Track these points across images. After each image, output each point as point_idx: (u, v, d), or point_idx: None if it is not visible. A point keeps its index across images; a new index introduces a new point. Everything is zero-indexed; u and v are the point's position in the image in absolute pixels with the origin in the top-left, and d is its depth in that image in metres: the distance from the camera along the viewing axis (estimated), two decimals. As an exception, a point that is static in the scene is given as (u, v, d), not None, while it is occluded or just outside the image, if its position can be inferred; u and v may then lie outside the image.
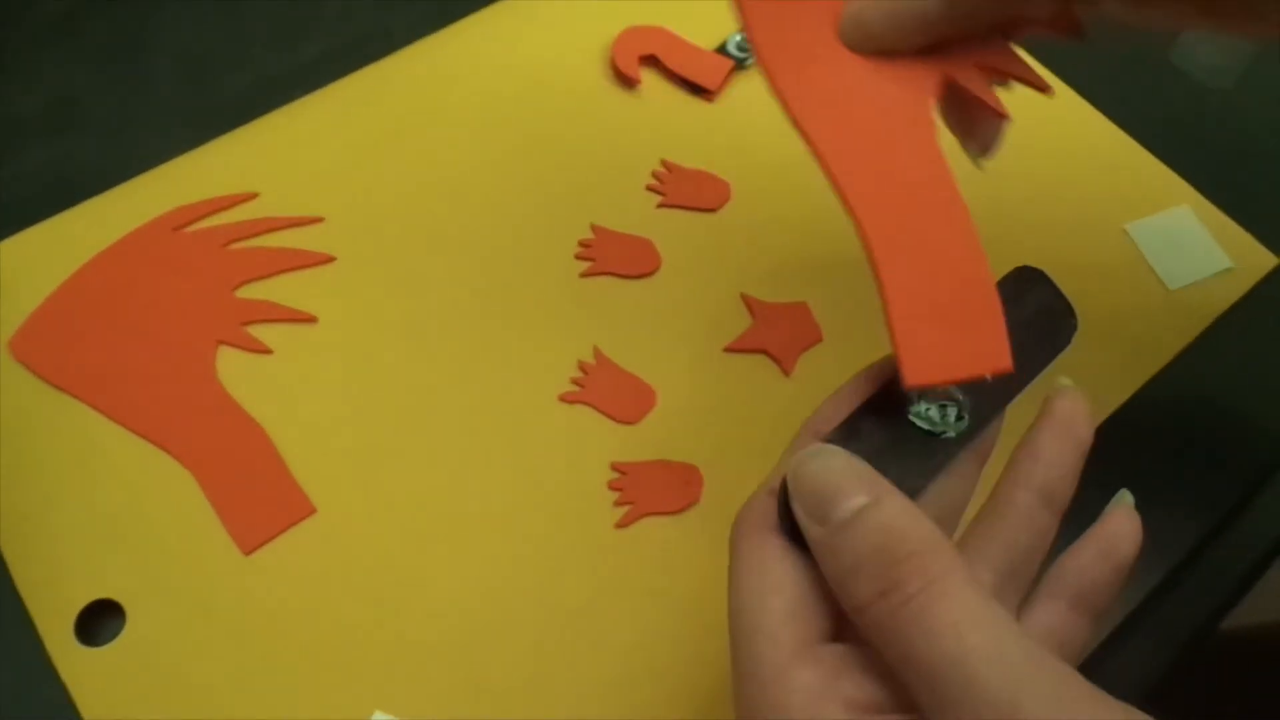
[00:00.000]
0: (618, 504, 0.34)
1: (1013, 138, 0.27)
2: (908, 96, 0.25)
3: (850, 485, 0.21)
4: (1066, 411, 0.24)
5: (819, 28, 0.25)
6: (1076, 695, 0.18)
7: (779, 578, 0.22)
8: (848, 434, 0.23)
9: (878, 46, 0.25)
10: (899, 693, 0.20)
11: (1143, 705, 0.19)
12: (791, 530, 0.22)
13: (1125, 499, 0.25)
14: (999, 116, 0.26)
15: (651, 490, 0.34)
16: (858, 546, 0.21)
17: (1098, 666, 0.21)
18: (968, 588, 0.19)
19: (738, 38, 0.44)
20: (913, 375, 0.22)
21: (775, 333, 0.38)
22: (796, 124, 0.24)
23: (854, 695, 0.21)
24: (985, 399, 0.23)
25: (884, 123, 0.24)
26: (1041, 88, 0.26)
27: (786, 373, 0.37)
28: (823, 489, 0.21)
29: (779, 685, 0.21)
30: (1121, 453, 0.30)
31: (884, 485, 0.21)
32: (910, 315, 0.23)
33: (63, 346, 0.36)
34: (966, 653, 0.19)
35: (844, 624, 0.22)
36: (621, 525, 0.34)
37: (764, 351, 0.37)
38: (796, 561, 0.22)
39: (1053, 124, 0.42)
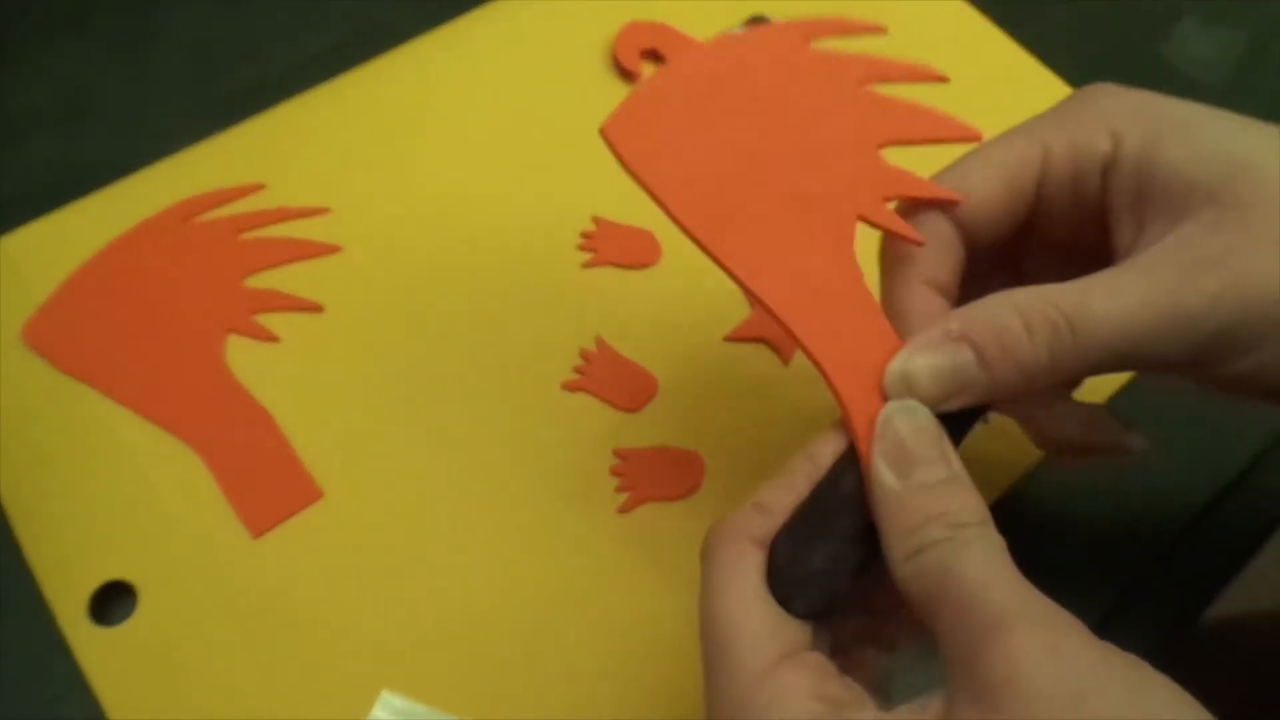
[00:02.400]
0: (619, 489, 0.35)
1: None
2: (831, 247, 0.26)
3: (936, 453, 0.23)
4: None
5: (734, 196, 0.26)
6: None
7: (758, 588, 0.24)
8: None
9: (924, 401, 0.24)
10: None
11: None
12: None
13: None
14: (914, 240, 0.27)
15: (652, 476, 0.35)
16: (928, 507, 0.22)
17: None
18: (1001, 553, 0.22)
19: (738, 32, 0.44)
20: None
21: (774, 322, 0.38)
22: (744, 285, 0.26)
23: (839, 695, 0.22)
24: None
25: (816, 270, 0.26)
26: (951, 200, 0.27)
27: (785, 361, 0.38)
28: (912, 448, 0.23)
29: (762, 687, 0.22)
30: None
31: (954, 456, 0.23)
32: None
33: (75, 335, 0.37)
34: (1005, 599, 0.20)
35: (817, 641, 0.24)
36: (623, 510, 0.35)
37: (763, 340, 0.38)
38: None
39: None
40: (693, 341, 0.38)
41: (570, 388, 0.37)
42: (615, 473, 0.35)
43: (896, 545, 0.22)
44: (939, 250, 0.26)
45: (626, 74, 0.44)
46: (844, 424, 0.25)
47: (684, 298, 0.39)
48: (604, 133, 0.26)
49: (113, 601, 0.33)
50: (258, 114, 0.42)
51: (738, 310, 0.39)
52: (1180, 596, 0.35)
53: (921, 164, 0.27)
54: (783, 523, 0.24)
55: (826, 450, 0.25)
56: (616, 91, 0.44)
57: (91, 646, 0.32)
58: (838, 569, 0.24)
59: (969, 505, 0.22)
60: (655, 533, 0.34)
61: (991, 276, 0.28)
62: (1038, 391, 0.24)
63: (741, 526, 0.24)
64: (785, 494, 0.25)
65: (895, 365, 0.24)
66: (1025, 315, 0.23)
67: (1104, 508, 0.36)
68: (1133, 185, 0.25)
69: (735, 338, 0.38)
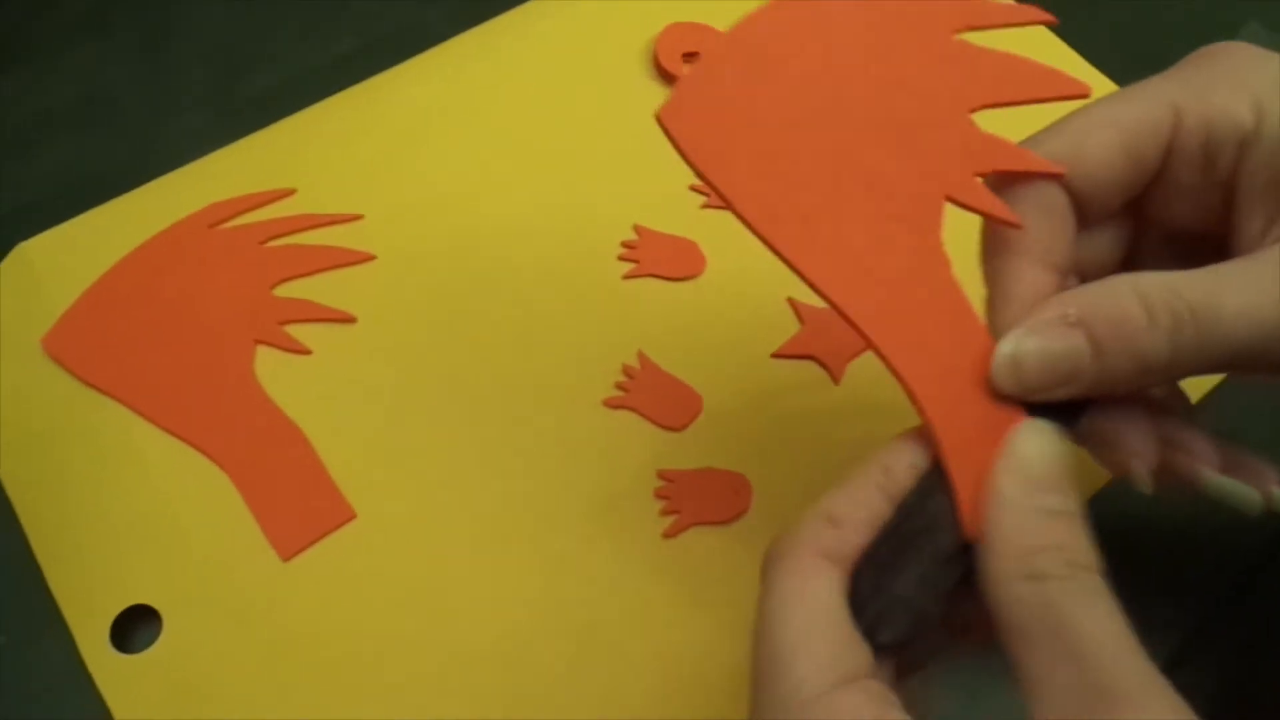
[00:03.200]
0: (664, 513, 0.33)
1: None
2: (916, 238, 0.23)
3: (1065, 483, 0.21)
4: None
5: (806, 185, 0.23)
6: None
7: (830, 607, 0.22)
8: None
9: (1028, 395, 0.22)
10: None
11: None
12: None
13: None
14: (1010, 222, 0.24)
15: (699, 499, 0.34)
16: (1048, 534, 0.21)
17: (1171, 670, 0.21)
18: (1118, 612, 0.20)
19: None
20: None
21: (824, 339, 0.37)
22: (819, 290, 0.23)
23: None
24: None
25: (900, 268, 0.23)
26: (1056, 173, 0.24)
27: (836, 380, 0.36)
28: (1042, 470, 0.21)
29: (822, 706, 0.21)
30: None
31: (1077, 503, 0.22)
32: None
33: (97, 345, 0.35)
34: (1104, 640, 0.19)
35: (878, 671, 0.22)
36: (669, 535, 0.33)
37: (812, 358, 0.36)
38: (845, 594, 0.22)
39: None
40: (739, 357, 0.37)
41: (612, 405, 0.35)
42: (660, 495, 0.34)
43: (1007, 563, 0.21)
44: (1051, 223, 0.24)
45: (668, 77, 0.42)
46: (927, 438, 0.23)
47: (729, 311, 0.37)
48: (660, 119, 0.23)
49: (136, 627, 0.31)
50: (286, 117, 0.41)
51: (786, 325, 0.37)
52: (1261, 626, 0.33)
53: (1018, 119, 0.24)
54: (854, 538, 0.23)
55: (902, 462, 0.23)
56: (658, 95, 0.42)
57: (114, 674, 0.30)
58: (926, 593, 0.22)
59: (1087, 548, 0.21)
60: (701, 558, 0.33)
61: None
62: (1144, 386, 0.23)
63: (811, 540, 0.23)
64: (857, 508, 0.23)
65: (1005, 347, 0.22)
66: (1148, 304, 0.21)
67: (1177, 530, 0.34)
68: (1271, 167, 0.23)
69: (783, 354, 0.37)
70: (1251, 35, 0.45)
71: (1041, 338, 0.22)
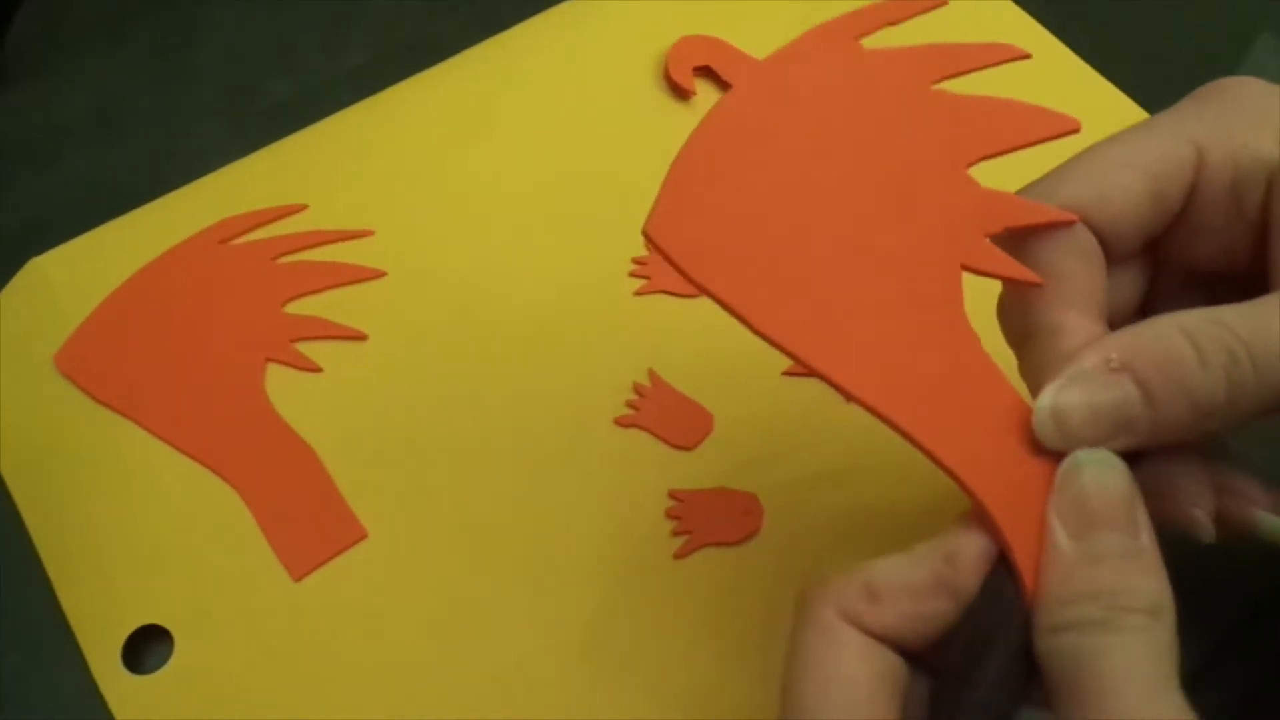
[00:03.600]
0: (675, 533, 0.33)
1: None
2: (938, 314, 0.22)
3: (1123, 519, 0.20)
4: None
5: (813, 279, 0.22)
6: None
7: (847, 676, 0.21)
8: None
9: (1074, 446, 0.21)
10: None
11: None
12: None
13: None
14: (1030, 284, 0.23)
15: (710, 520, 0.34)
16: (1094, 580, 0.20)
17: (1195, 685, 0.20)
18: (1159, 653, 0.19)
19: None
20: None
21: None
22: (844, 391, 0.22)
23: None
24: None
25: (927, 350, 0.22)
26: (1068, 221, 0.23)
27: (848, 398, 0.36)
28: (1096, 507, 0.20)
29: None
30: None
31: (1145, 526, 0.20)
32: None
33: (109, 362, 0.35)
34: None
35: None
36: (680, 555, 0.33)
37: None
38: (868, 665, 0.21)
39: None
40: (750, 376, 0.36)
41: (623, 423, 0.35)
42: (672, 515, 0.34)
43: (1043, 614, 0.20)
44: (1089, 268, 0.23)
45: (679, 90, 0.42)
46: (983, 522, 0.21)
47: (741, 329, 0.37)
48: (648, 233, 0.22)
49: (147, 647, 0.31)
50: (298, 130, 0.41)
51: (797, 343, 0.37)
52: (1268, 661, 0.33)
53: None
54: (888, 618, 0.21)
55: (970, 553, 0.21)
56: (669, 109, 0.42)
57: (125, 695, 0.30)
58: (1003, 698, 0.21)
59: (1144, 588, 0.19)
60: (713, 579, 0.33)
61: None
62: (1206, 432, 0.21)
63: (843, 603, 0.21)
64: (904, 590, 0.21)
65: (1045, 400, 0.21)
66: (1196, 342, 0.20)
67: (1186, 564, 0.34)
68: None
69: (795, 372, 0.36)
70: (1264, 46, 0.44)
71: (1085, 388, 0.21)
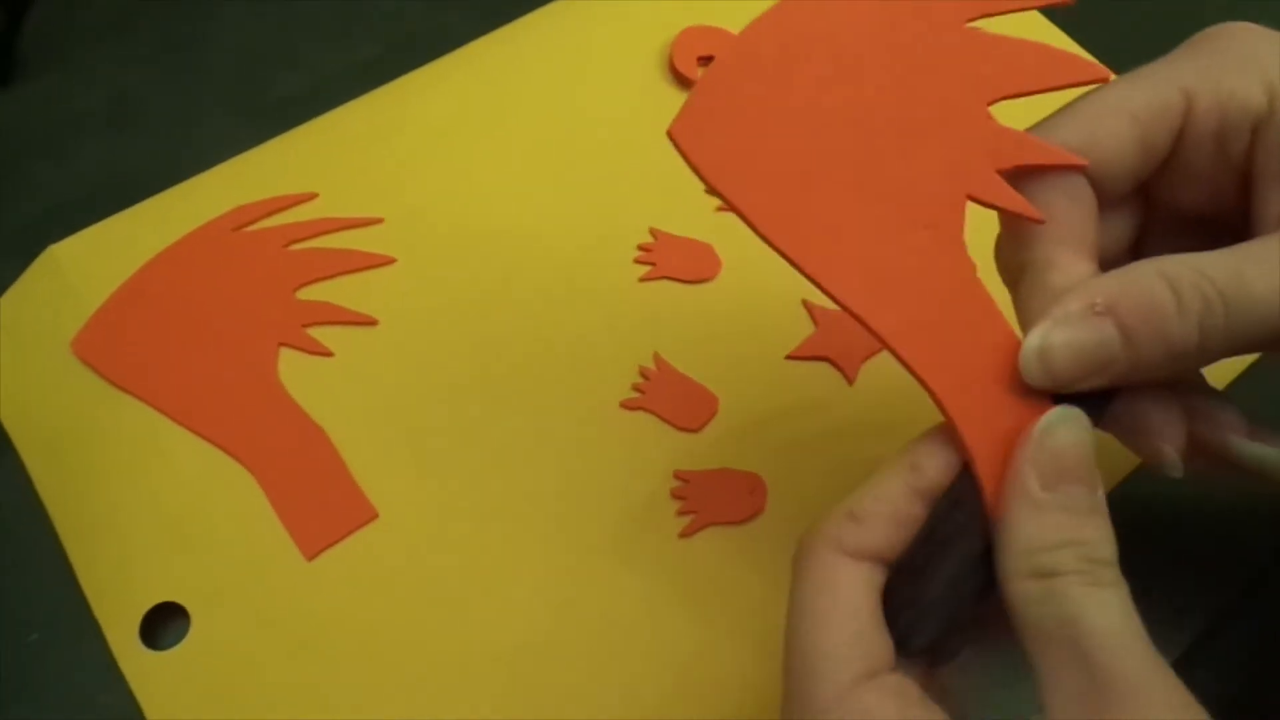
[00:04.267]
0: (680, 513, 0.34)
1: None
2: (939, 240, 0.23)
3: (1089, 475, 0.21)
4: None
5: (823, 195, 0.23)
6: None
7: (849, 601, 0.22)
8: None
9: (1059, 388, 0.22)
10: None
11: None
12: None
13: None
14: (1034, 218, 0.24)
15: (715, 499, 0.34)
16: (1067, 530, 0.21)
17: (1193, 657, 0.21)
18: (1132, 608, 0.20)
19: None
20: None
21: (838, 340, 0.37)
22: (838, 300, 0.23)
23: (922, 718, 0.21)
24: None
25: (923, 272, 0.23)
26: (1078, 165, 0.24)
27: (850, 381, 0.37)
28: (1069, 462, 0.21)
29: (842, 707, 0.21)
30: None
31: (1103, 495, 0.22)
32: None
33: (125, 346, 0.36)
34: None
35: (904, 663, 0.22)
36: (685, 535, 0.34)
37: (826, 359, 0.37)
38: (867, 588, 0.22)
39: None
40: (754, 359, 0.37)
41: (629, 406, 0.36)
42: (676, 495, 0.34)
43: (1020, 559, 0.21)
44: (1080, 209, 0.23)
45: (684, 81, 0.43)
46: (954, 440, 0.23)
47: (744, 313, 0.38)
48: (672, 135, 0.23)
49: (165, 624, 0.32)
50: (309, 120, 0.42)
51: (800, 326, 0.38)
52: (1269, 626, 0.33)
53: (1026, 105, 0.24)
54: (876, 534, 0.23)
55: (932, 462, 0.23)
56: (674, 99, 0.42)
57: (143, 670, 0.31)
58: (956, 596, 0.22)
59: (1107, 542, 0.21)
60: (718, 558, 0.33)
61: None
62: (1173, 372, 0.22)
63: (832, 537, 0.23)
64: (879, 503, 0.23)
65: (1033, 340, 0.22)
66: (1176, 288, 0.21)
67: (1196, 522, 0.34)
68: None
69: (798, 355, 0.37)
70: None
71: (1070, 329, 0.22)
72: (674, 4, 0.44)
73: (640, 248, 0.39)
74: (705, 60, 0.43)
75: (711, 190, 0.23)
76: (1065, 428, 0.22)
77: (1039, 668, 0.20)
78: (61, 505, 0.34)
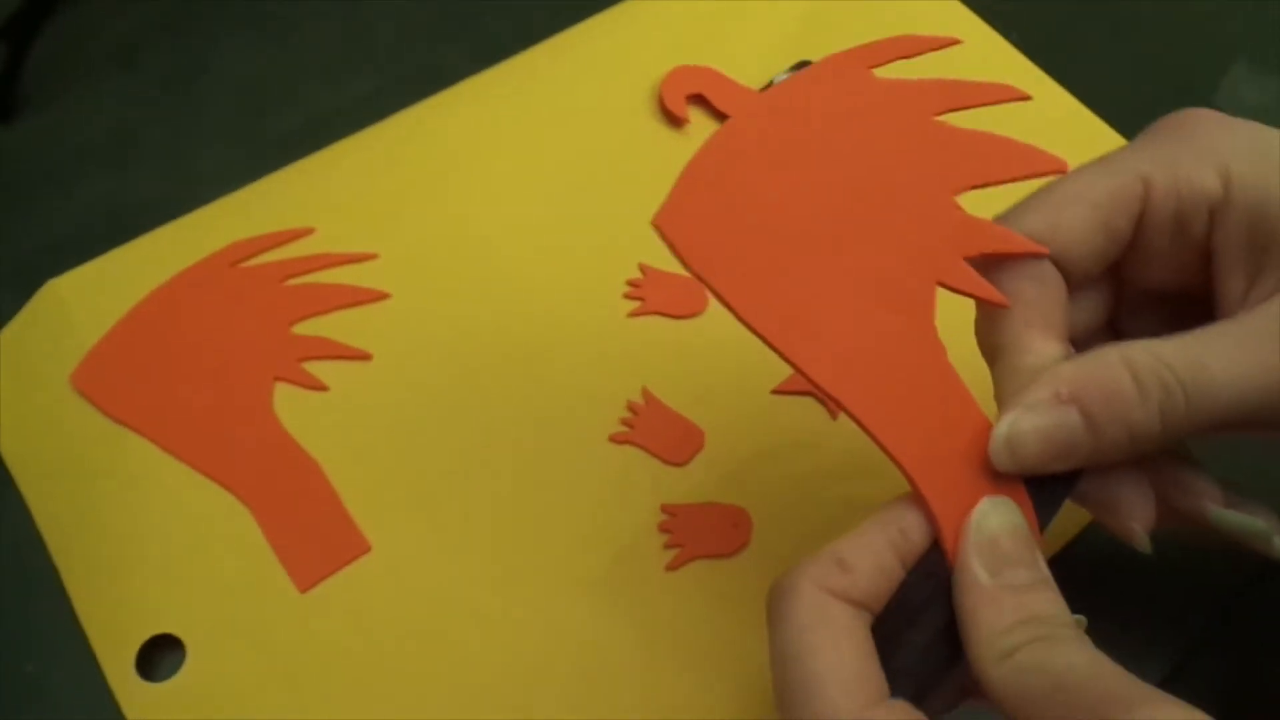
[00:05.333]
0: (667, 546, 0.35)
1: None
2: (910, 325, 0.24)
3: (1028, 555, 0.22)
4: None
5: (800, 282, 0.24)
6: None
7: (849, 632, 0.23)
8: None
9: (1026, 473, 0.23)
10: None
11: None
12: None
13: None
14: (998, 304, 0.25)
15: (701, 533, 0.35)
16: (1019, 608, 0.22)
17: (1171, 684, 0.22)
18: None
19: (784, 77, 0.44)
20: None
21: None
22: (814, 383, 0.24)
23: None
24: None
25: (895, 357, 0.24)
26: (1039, 253, 0.25)
27: (834, 415, 0.37)
28: (1006, 546, 0.22)
29: None
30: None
31: (1044, 564, 0.23)
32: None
33: (124, 381, 0.37)
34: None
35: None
36: (671, 568, 0.34)
37: (812, 394, 0.38)
38: (863, 625, 0.23)
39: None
40: (740, 394, 0.38)
41: (618, 440, 0.37)
42: (663, 529, 0.35)
43: (987, 644, 0.22)
44: (1046, 291, 0.25)
45: (673, 119, 0.44)
46: (927, 517, 0.24)
47: (731, 348, 0.39)
48: (657, 224, 0.24)
49: (161, 656, 0.32)
50: (306, 156, 0.42)
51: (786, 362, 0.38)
52: (1242, 657, 0.34)
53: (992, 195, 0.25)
54: (862, 584, 0.23)
55: (917, 531, 0.24)
56: (663, 137, 0.43)
57: (139, 702, 0.32)
58: (928, 665, 0.23)
59: (1057, 606, 0.22)
60: (704, 591, 0.34)
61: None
62: (1136, 454, 0.23)
63: (821, 579, 0.23)
64: (866, 557, 0.23)
65: (1001, 429, 0.23)
66: (1138, 376, 0.22)
67: (1160, 563, 0.35)
68: (1246, 231, 0.24)
69: (783, 390, 0.38)
70: (1239, 74, 0.46)
71: (1036, 416, 0.23)
72: (663, 43, 0.45)
73: (629, 283, 0.40)
74: (694, 99, 0.44)
75: (694, 275, 0.24)
76: (995, 516, 0.23)
77: None
78: (60, 537, 0.35)
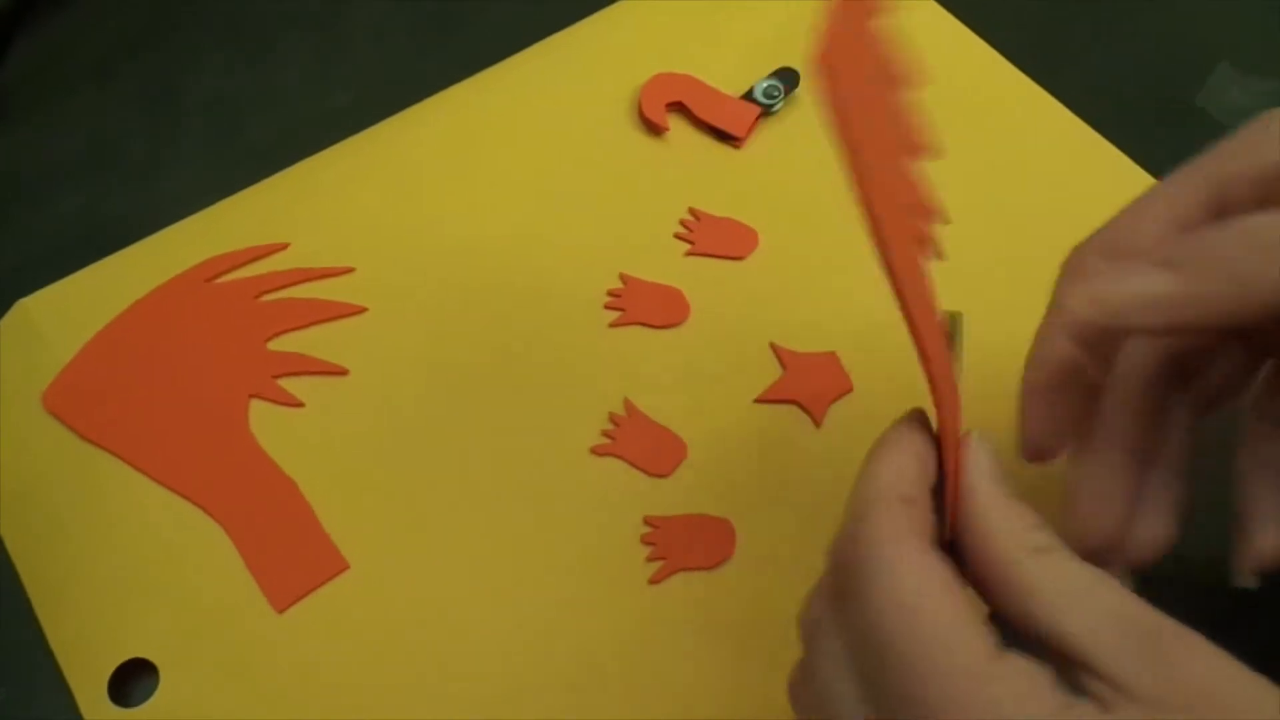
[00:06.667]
0: (650, 559, 0.34)
1: (1047, 188, 0.26)
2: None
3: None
4: None
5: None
6: None
7: (953, 580, 0.21)
8: None
9: (1116, 325, 0.24)
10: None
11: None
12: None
13: None
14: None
15: (684, 545, 0.34)
16: (1031, 512, 0.22)
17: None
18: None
19: (764, 84, 0.44)
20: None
21: (805, 383, 0.37)
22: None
23: (1059, 698, 0.20)
24: None
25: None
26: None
27: (817, 424, 0.37)
28: (1000, 468, 0.23)
29: (985, 680, 0.20)
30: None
31: None
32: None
33: (96, 400, 0.36)
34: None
35: None
36: (655, 581, 0.34)
37: (794, 402, 0.37)
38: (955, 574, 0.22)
39: (1088, 173, 0.42)
40: (722, 404, 0.37)
41: (600, 452, 0.36)
42: (647, 541, 0.34)
43: (1018, 544, 0.22)
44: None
45: (652, 127, 0.43)
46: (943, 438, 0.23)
47: (713, 358, 0.38)
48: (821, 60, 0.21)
49: (134, 680, 0.32)
50: (281, 170, 0.42)
51: (768, 370, 0.38)
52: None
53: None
54: (927, 514, 0.22)
55: (928, 451, 0.23)
56: (642, 145, 0.43)
57: (112, 728, 0.31)
58: None
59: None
60: (688, 603, 0.34)
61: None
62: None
63: (902, 524, 0.22)
64: (918, 482, 0.23)
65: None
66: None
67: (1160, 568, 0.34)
68: None
69: (766, 399, 0.37)
70: (1222, 76, 0.45)
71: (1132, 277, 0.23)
72: (642, 51, 0.45)
73: (610, 293, 0.39)
74: (673, 106, 0.44)
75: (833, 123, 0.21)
76: (985, 441, 0.23)
77: (1068, 631, 0.20)
78: (30, 559, 0.34)
